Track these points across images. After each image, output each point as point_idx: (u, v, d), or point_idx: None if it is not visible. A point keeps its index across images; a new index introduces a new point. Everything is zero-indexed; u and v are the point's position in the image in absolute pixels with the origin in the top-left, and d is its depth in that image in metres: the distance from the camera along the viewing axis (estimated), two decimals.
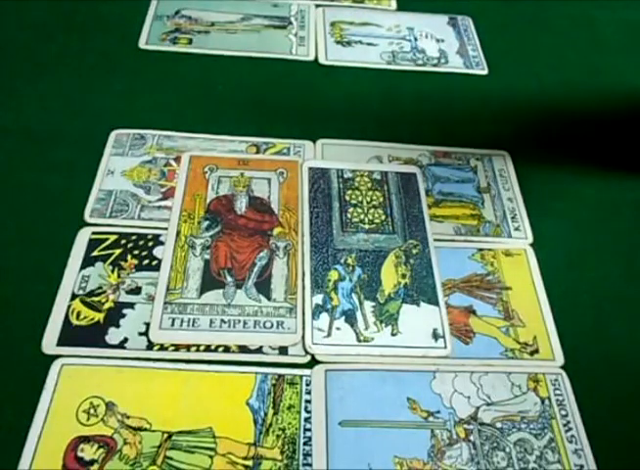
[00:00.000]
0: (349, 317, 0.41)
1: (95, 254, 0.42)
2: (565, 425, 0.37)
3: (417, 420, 0.37)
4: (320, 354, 0.39)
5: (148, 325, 0.39)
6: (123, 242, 0.43)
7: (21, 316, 0.39)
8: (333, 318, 0.41)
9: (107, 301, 0.40)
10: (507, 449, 0.36)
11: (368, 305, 0.41)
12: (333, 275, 0.43)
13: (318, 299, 0.41)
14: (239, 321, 0.40)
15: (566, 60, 0.61)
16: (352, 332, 0.40)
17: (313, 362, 0.39)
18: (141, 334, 0.39)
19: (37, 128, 0.49)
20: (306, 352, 0.39)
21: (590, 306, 0.43)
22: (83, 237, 0.43)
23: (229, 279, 0.42)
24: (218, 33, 0.59)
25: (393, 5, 0.64)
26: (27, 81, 0.53)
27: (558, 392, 0.39)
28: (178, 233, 0.44)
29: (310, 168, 0.49)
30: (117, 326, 0.39)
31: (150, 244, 0.43)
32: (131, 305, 0.40)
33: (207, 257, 0.43)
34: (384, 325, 0.41)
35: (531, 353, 0.40)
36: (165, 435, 0.35)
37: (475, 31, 0.62)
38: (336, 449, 0.35)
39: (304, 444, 0.35)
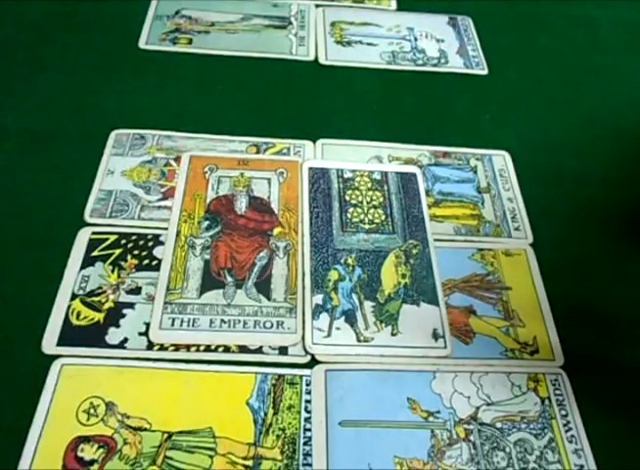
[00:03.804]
0: (349, 317, 0.41)
1: (95, 254, 0.42)
2: (565, 425, 0.37)
3: (417, 420, 0.37)
4: (320, 354, 0.39)
5: (148, 325, 0.39)
6: (123, 242, 0.43)
7: (21, 316, 0.39)
8: (333, 318, 0.41)
9: (107, 301, 0.40)
10: (507, 449, 0.36)
11: (368, 304, 0.41)
12: (333, 275, 0.43)
13: (318, 299, 0.41)
14: (239, 321, 0.40)
15: (566, 60, 0.61)
16: (352, 332, 0.40)
17: (313, 362, 0.39)
18: (141, 334, 0.39)
19: (37, 128, 0.49)
20: (306, 352, 0.39)
21: (590, 306, 0.43)
22: (83, 237, 0.43)
23: (229, 279, 0.42)
24: (218, 33, 0.59)
25: (393, 5, 0.64)
26: (27, 81, 0.53)
27: (558, 392, 0.39)
28: (178, 233, 0.44)
29: (310, 168, 0.49)
30: (117, 326, 0.39)
31: (150, 244, 0.43)
32: (131, 306, 0.40)
33: (207, 257, 0.43)
34: (384, 325, 0.41)
35: (531, 353, 0.40)
36: (165, 435, 0.35)
37: (475, 31, 0.62)
38: (336, 449, 0.35)
39: (304, 444, 0.35)
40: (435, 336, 0.40)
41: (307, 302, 0.41)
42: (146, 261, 0.42)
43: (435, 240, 0.45)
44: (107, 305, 0.40)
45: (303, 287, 0.42)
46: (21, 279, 0.41)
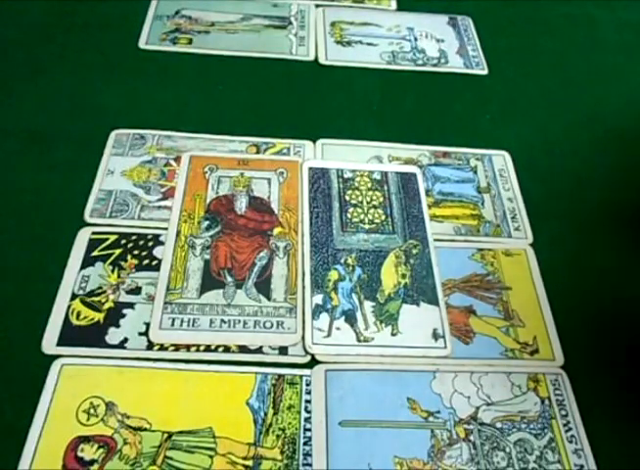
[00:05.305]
0: (349, 317, 0.41)
1: (95, 254, 0.42)
2: (565, 425, 0.37)
3: (417, 420, 0.37)
4: (320, 354, 0.39)
5: (148, 325, 0.39)
6: (123, 242, 0.43)
7: (21, 316, 0.39)
8: (333, 318, 0.41)
9: (107, 301, 0.40)
10: (507, 449, 0.36)
11: (368, 304, 0.41)
12: (333, 275, 0.43)
13: (318, 299, 0.41)
14: (239, 321, 0.40)
15: (566, 60, 0.61)
16: (352, 332, 0.40)
17: (313, 362, 0.39)
18: (141, 334, 0.39)
19: (37, 128, 0.49)
20: (306, 352, 0.39)
21: (590, 306, 0.43)
22: (83, 237, 0.43)
23: (229, 279, 0.42)
24: (218, 33, 0.59)
25: (393, 5, 0.64)
26: (27, 81, 0.53)
27: (558, 392, 0.39)
28: (178, 233, 0.44)
29: (310, 168, 0.49)
30: (117, 326, 0.39)
31: (150, 244, 0.43)
32: (131, 306, 0.40)
33: (207, 257, 0.43)
34: (384, 325, 0.41)
35: (531, 353, 0.40)
36: (165, 435, 0.35)
37: (475, 31, 0.62)
38: (336, 449, 0.35)
39: (304, 444, 0.35)
40: (435, 336, 0.40)
41: (307, 302, 0.41)
42: (146, 261, 0.42)
43: (435, 240, 0.45)
44: (107, 305, 0.40)
45: (303, 287, 0.42)
46: (21, 279, 0.41)
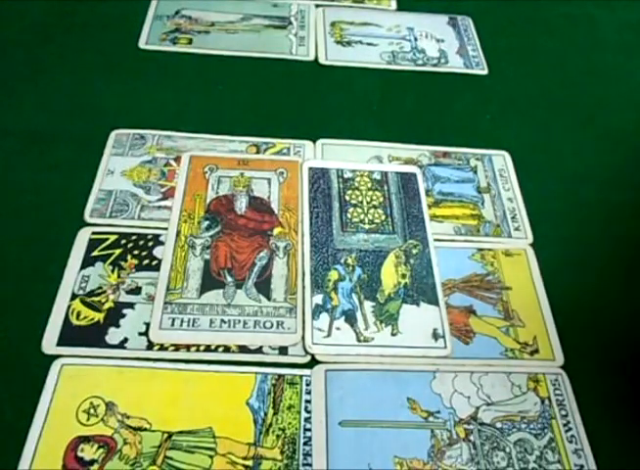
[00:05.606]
0: (349, 317, 0.41)
1: (95, 254, 0.42)
2: (565, 425, 0.37)
3: (417, 420, 0.37)
4: (320, 354, 0.39)
5: (148, 325, 0.39)
6: (123, 242, 0.43)
7: (21, 316, 0.39)
8: (333, 318, 0.41)
9: (107, 301, 0.40)
10: (507, 449, 0.36)
11: (368, 305, 0.41)
12: (333, 275, 0.43)
13: (318, 299, 0.41)
14: (239, 321, 0.40)
15: (566, 60, 0.61)
16: (352, 332, 0.40)
17: (313, 362, 0.39)
18: (141, 334, 0.39)
19: (37, 128, 0.49)
20: (306, 353, 0.39)
21: (590, 306, 0.43)
22: (83, 237, 0.43)
23: (229, 279, 0.42)
24: (218, 33, 0.59)
25: (393, 5, 0.64)
26: (27, 81, 0.53)
27: (558, 392, 0.39)
28: (178, 233, 0.44)
29: (310, 168, 0.49)
30: (117, 326, 0.39)
31: (150, 244, 0.43)
32: (131, 306, 0.40)
33: (207, 257, 0.43)
34: (384, 325, 0.41)
35: (531, 353, 0.40)
36: (165, 435, 0.35)
37: (475, 31, 0.62)
38: (336, 449, 0.35)
39: (304, 444, 0.35)
40: (435, 336, 0.40)
41: (307, 302, 0.41)
42: (146, 261, 0.42)
43: (435, 240, 0.45)
44: (107, 305, 0.40)
45: (303, 287, 0.42)
46: (21, 279, 0.41)
